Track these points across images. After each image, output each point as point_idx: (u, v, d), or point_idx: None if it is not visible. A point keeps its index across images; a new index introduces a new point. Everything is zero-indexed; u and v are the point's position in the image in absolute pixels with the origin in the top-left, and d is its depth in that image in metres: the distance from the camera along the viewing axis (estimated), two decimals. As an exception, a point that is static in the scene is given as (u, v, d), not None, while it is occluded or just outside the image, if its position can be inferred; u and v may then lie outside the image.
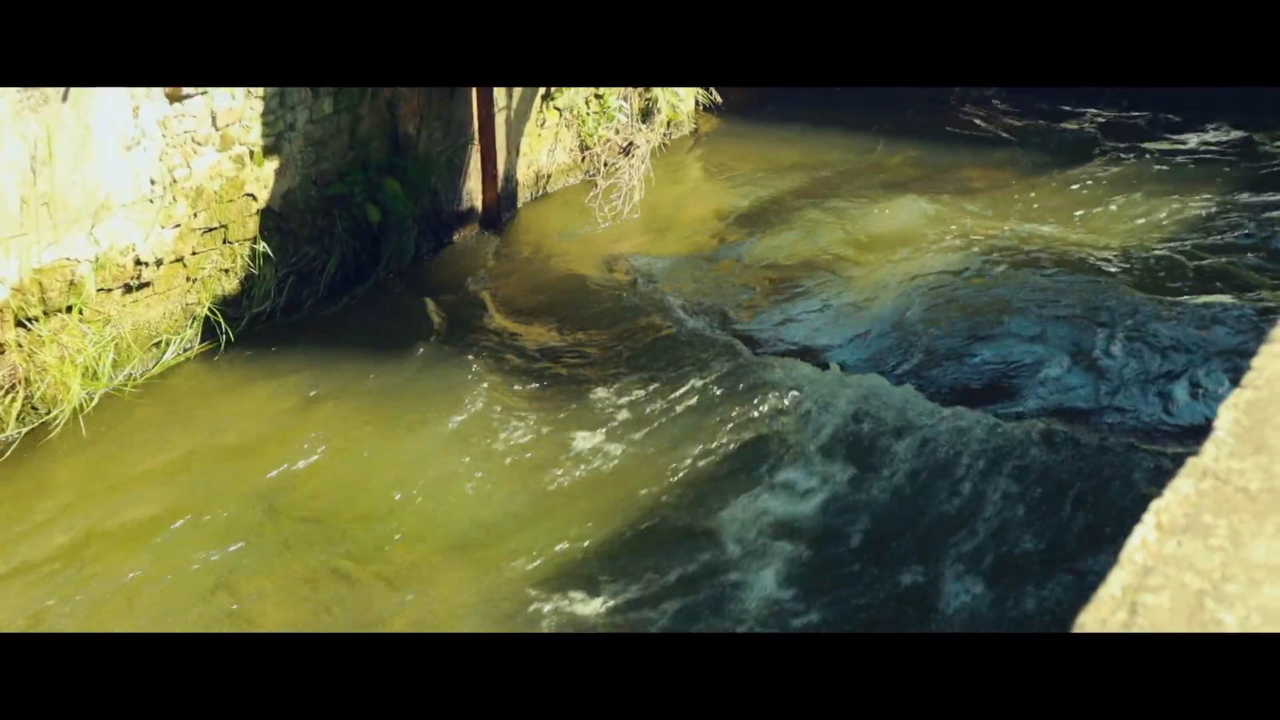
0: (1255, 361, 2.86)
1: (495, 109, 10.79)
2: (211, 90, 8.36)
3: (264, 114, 8.81)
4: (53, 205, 7.55)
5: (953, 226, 10.64)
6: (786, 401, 7.95)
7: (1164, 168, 12.07)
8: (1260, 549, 2.19)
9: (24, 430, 7.56)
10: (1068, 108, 12.31)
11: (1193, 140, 12.75)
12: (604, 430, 7.84)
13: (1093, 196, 11.48)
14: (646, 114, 12.57)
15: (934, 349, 8.83)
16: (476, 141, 10.72)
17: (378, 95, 9.67)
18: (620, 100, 12.24)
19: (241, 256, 8.84)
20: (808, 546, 6.72)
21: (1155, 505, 2.32)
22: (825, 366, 8.48)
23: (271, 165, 8.94)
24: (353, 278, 9.61)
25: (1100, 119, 13.21)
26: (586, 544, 6.80)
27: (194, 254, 8.52)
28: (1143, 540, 2.23)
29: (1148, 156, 12.35)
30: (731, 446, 7.61)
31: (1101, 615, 2.09)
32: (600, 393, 8.25)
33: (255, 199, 8.87)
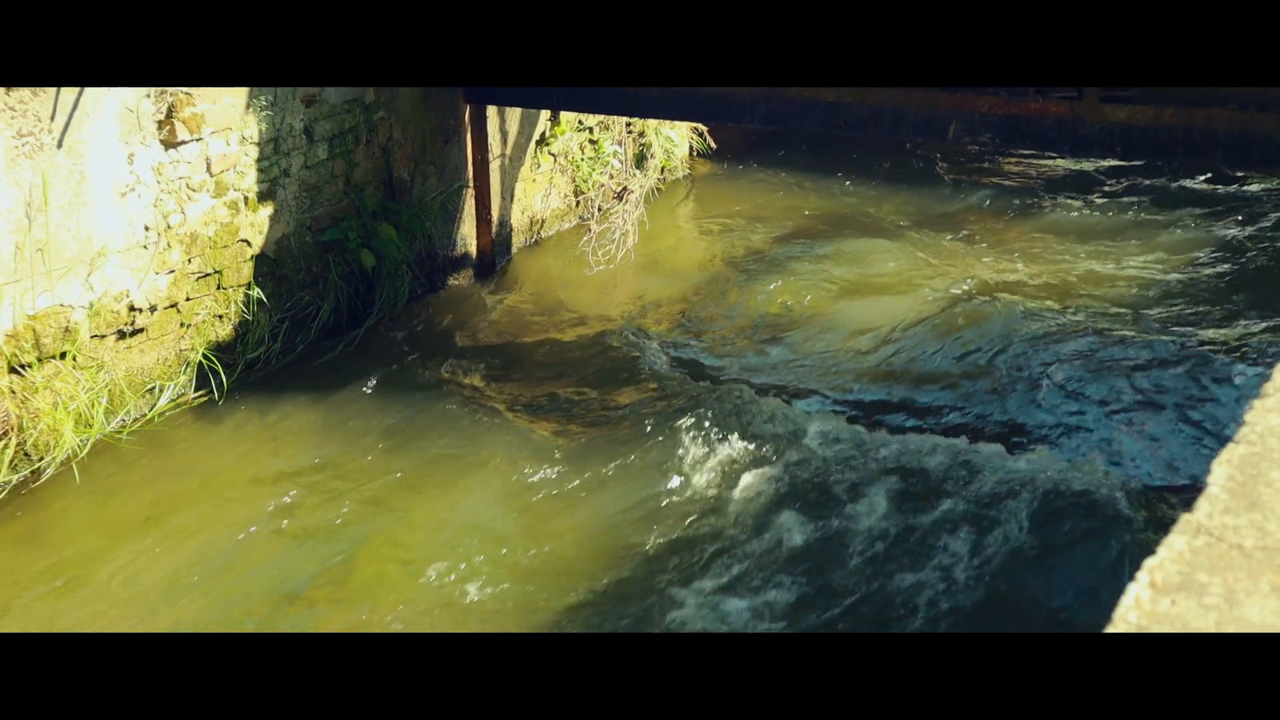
0: (1248, 415, 2.87)
1: (490, 154, 10.83)
2: (206, 137, 8.39)
3: (259, 160, 8.83)
4: (47, 251, 7.55)
5: (946, 272, 10.66)
6: (778, 448, 7.94)
7: (1157, 214, 12.11)
8: (1255, 608, 2.18)
9: (16, 477, 7.54)
10: (1059, 154, 12.35)
11: (1185, 187, 12.80)
12: (599, 476, 7.83)
13: (1085, 243, 11.51)
14: (641, 159, 12.61)
15: (926, 396, 8.84)
16: (471, 187, 10.75)
17: (373, 141, 9.70)
18: (615, 145, 12.28)
19: (236, 302, 8.84)
20: (795, 579, 6.70)
21: (1149, 563, 2.32)
22: (826, 412, 8.48)
23: (266, 211, 8.95)
24: (347, 323, 9.62)
25: (1092, 165, 13.26)
26: (576, 595, 6.78)
27: (188, 300, 8.52)
28: (1136, 598, 2.22)
29: (1140, 202, 12.39)
30: (725, 493, 7.59)
31: (1096, 675, 2.09)
32: (594, 438, 8.25)
33: (250, 245, 8.88)
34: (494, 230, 10.99)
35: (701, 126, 13.59)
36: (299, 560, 7.07)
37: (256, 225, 8.90)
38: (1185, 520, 2.44)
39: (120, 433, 8.08)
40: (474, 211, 10.83)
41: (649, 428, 8.26)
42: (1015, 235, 11.71)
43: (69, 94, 7.52)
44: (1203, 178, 12.98)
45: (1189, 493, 6.97)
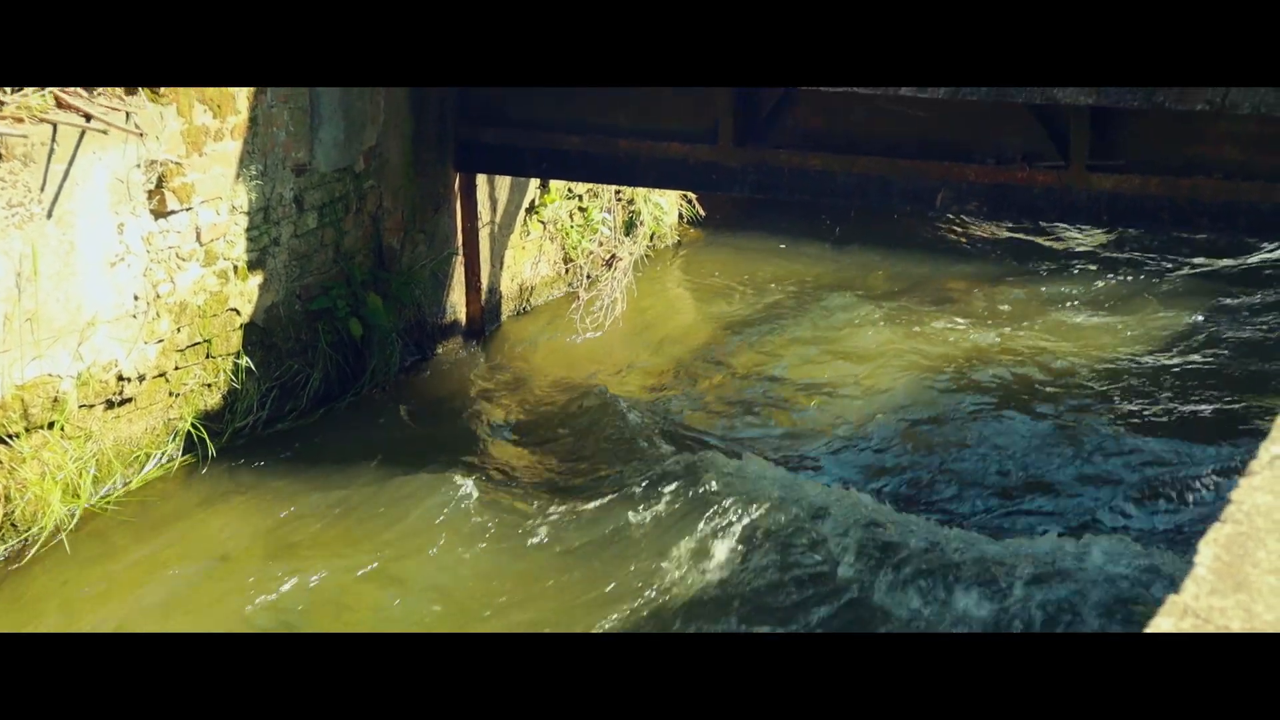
0: (1234, 494, 2.87)
1: (480, 222, 10.86)
2: (196, 206, 8.40)
3: (248, 229, 8.84)
4: (36, 321, 7.55)
5: (933, 339, 10.69)
6: (761, 519, 7.93)
7: (1144, 283, 12.16)
8: (1242, 693, 2.17)
9: (3, 549, 7.51)
10: (1047, 222, 12.41)
11: (1172, 255, 12.85)
12: (587, 546, 7.81)
13: (1072, 310, 11.55)
14: (630, 226, 12.65)
15: (913, 466, 8.85)
16: (460, 254, 10.77)
17: (362, 210, 9.73)
18: (604, 213, 12.32)
19: (224, 371, 8.84)
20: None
21: (1136, 647, 2.31)
22: (810, 482, 8.47)
23: (256, 280, 8.96)
24: (336, 391, 9.61)
25: (1080, 230, 13.32)
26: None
27: (177, 369, 8.52)
28: (1124, 683, 2.21)
29: (1128, 270, 12.44)
30: (705, 564, 7.58)
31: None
32: (582, 507, 8.24)
33: (239, 314, 8.89)
34: (483, 298, 11.00)
35: (691, 193, 13.64)
36: (287, 628, 7.03)
37: (246, 294, 8.91)
38: (1172, 602, 2.44)
39: (108, 502, 8.05)
40: (463, 279, 10.84)
41: (634, 497, 8.25)
42: (1005, 305, 11.74)
43: (59, 164, 7.54)
44: (1191, 246, 13.03)
45: (1175, 573, 6.95)
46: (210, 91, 8.37)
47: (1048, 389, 9.77)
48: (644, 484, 8.40)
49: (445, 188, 10.53)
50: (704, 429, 9.44)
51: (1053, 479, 8.62)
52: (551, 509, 8.24)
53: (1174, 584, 2.49)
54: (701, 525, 7.92)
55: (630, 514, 8.07)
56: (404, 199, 10.11)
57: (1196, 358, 10.44)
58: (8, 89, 7.41)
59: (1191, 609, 2.42)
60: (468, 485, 8.42)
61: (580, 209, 12.16)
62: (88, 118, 7.68)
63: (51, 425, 7.74)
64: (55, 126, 7.52)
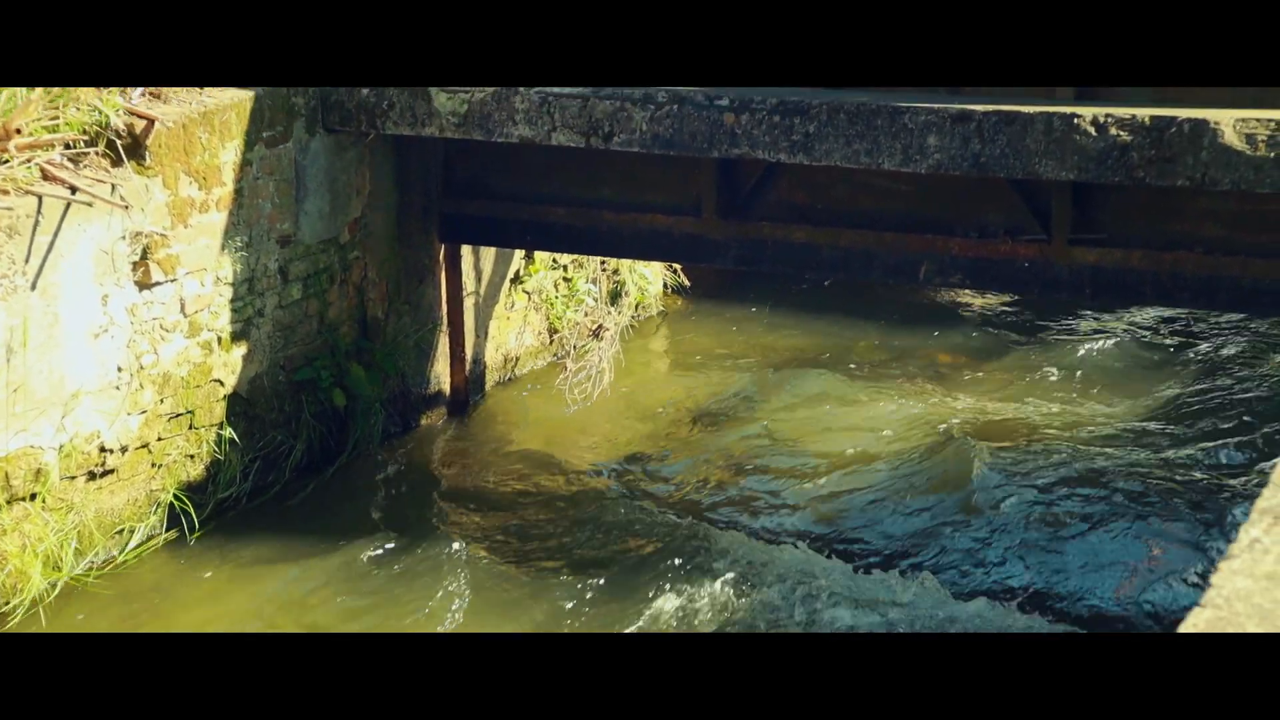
0: (1215, 579, 2.87)
1: (464, 292, 10.87)
2: (181, 278, 8.41)
3: (233, 300, 8.85)
4: (20, 393, 7.54)
5: (920, 410, 10.71)
6: (748, 593, 7.91)
7: (1126, 356, 12.20)
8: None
9: (-18, 620, 7.46)
10: (1029, 295, 12.44)
11: (1148, 328, 12.90)
12: (569, 621, 7.78)
13: (1056, 381, 11.58)
14: (615, 296, 12.68)
15: (896, 539, 8.85)
16: (445, 325, 10.77)
17: (347, 280, 9.74)
18: (589, 283, 12.35)
19: (207, 442, 8.82)
20: None
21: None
22: (794, 553, 8.46)
23: (240, 351, 8.96)
24: (319, 462, 9.59)
25: (1064, 302, 13.36)
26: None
27: (160, 440, 8.50)
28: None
29: (1110, 341, 12.48)
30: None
31: None
32: (565, 580, 8.22)
33: (223, 384, 8.88)
34: (468, 368, 11.00)
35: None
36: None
37: (230, 365, 8.91)
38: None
39: (89, 575, 8.01)
40: (448, 349, 10.84)
41: (618, 571, 8.23)
42: (990, 374, 11.77)
43: (44, 236, 7.56)
44: (1169, 321, 13.09)
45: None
46: (196, 163, 8.40)
47: (1030, 465, 9.77)
48: (630, 557, 8.38)
49: (430, 258, 10.55)
50: (690, 502, 9.43)
51: (1029, 557, 8.60)
52: (538, 583, 8.21)
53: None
54: (685, 597, 7.91)
55: (615, 586, 8.05)
56: (389, 270, 10.12)
57: (1178, 429, 10.46)
58: (-6, 161, 7.44)
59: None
60: (452, 560, 8.40)
61: (565, 279, 12.19)
62: (73, 190, 7.70)
63: (33, 497, 7.71)
64: (40, 199, 7.54)
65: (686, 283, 13.77)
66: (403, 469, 9.85)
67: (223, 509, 8.90)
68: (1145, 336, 12.72)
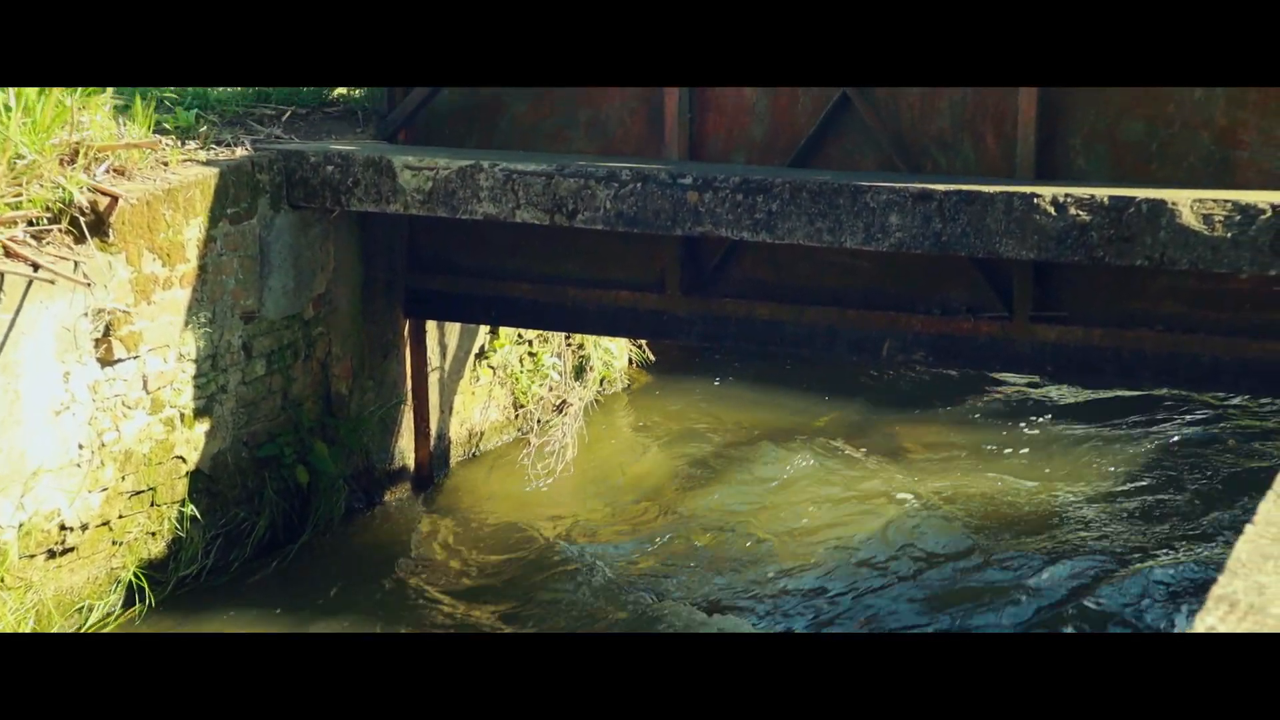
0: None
1: (429, 367, 10.86)
2: (144, 354, 8.39)
3: (196, 377, 8.82)
4: (-22, 471, 7.49)
5: (882, 487, 10.72)
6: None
7: (1086, 433, 12.25)
8: None
9: (-63, 702, 7.36)
10: (990, 372, 12.50)
11: (1116, 408, 12.95)
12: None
13: (1021, 458, 11.61)
14: (580, 371, 12.69)
15: (860, 613, 8.84)
16: (409, 401, 10.75)
17: (311, 356, 9.72)
18: (553, 358, 12.36)
19: (169, 519, 8.76)
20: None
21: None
22: (764, 632, 8.45)
23: (202, 428, 8.92)
24: (282, 538, 9.53)
25: (1026, 379, 13.42)
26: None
27: (120, 517, 8.44)
28: None
29: (1070, 419, 12.53)
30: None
31: None
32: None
33: (185, 461, 8.84)
34: (432, 444, 10.97)
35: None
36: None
37: (192, 442, 8.86)
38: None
39: (46, 654, 7.92)
40: (412, 425, 10.81)
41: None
42: (948, 450, 11.79)
43: (5, 313, 7.53)
44: (1138, 396, 13.17)
45: None
46: (160, 240, 8.39)
47: (992, 538, 9.79)
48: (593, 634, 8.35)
49: (395, 334, 10.55)
50: (654, 578, 9.40)
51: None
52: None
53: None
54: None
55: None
56: (353, 346, 10.11)
57: (1137, 504, 10.49)
58: (-44, 239, 7.42)
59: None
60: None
61: (530, 354, 12.20)
62: (35, 267, 7.68)
63: (-9, 576, 7.64)
64: (2, 276, 7.51)
65: (651, 357, 13.80)
66: (365, 547, 9.79)
67: (183, 586, 8.83)
68: (1112, 411, 12.77)
